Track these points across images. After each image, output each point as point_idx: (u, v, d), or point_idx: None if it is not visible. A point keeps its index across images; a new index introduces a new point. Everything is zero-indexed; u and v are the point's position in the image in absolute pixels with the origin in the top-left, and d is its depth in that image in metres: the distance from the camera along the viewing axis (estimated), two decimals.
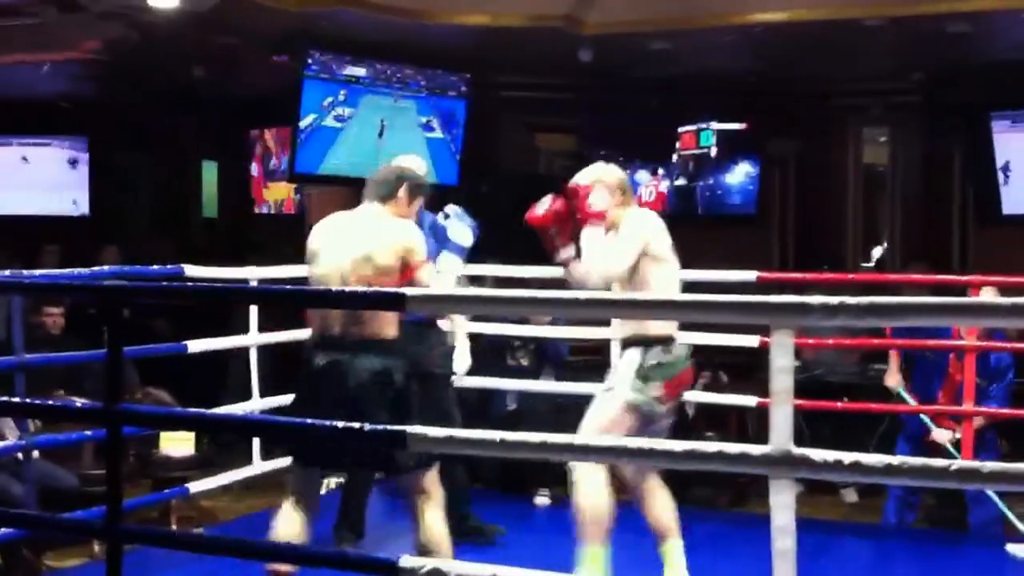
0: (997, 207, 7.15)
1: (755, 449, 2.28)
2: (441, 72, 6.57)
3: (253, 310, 4.82)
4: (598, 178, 3.63)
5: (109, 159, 9.21)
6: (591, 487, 3.50)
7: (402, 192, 3.48)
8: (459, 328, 4.63)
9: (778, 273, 6.32)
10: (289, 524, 3.39)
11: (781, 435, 2.22)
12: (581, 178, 3.65)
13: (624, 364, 3.57)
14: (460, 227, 3.72)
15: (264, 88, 6.93)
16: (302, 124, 6.05)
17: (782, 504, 2.24)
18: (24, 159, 9.21)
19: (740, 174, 7.75)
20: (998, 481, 2.20)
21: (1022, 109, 6.98)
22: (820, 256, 7.44)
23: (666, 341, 3.57)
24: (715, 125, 7.72)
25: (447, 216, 3.77)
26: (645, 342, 3.56)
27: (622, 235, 3.56)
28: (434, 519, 3.37)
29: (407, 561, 2.57)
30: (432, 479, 3.39)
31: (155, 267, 4.42)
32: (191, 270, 4.38)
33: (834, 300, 2.16)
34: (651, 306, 2.80)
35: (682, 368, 3.64)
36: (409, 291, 2.62)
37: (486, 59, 6.69)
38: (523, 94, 7.72)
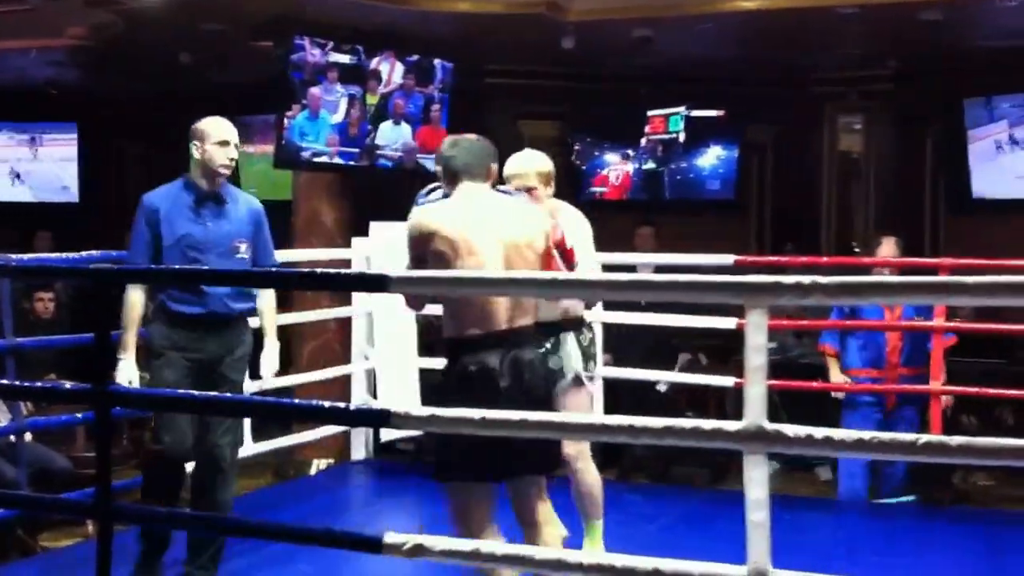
0: (968, 193, 7.19)
1: (729, 425, 2.30)
2: (425, 58, 6.54)
3: None
4: (539, 171, 3.58)
5: (98, 146, 9.15)
6: (591, 468, 3.72)
7: (494, 166, 3.21)
8: (269, 326, 3.94)
9: (756, 256, 6.34)
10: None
11: (755, 411, 2.24)
12: (532, 171, 3.57)
13: (567, 349, 3.60)
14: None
15: (250, 74, 6.88)
16: (288, 111, 6.02)
17: (756, 479, 2.26)
18: (14, 146, 9.15)
19: (718, 159, 7.76)
20: (965, 455, 2.23)
21: (994, 96, 7.00)
22: (796, 241, 7.47)
23: (583, 321, 3.69)
24: (693, 112, 7.72)
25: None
26: (575, 324, 3.64)
27: (582, 238, 3.55)
28: (554, 524, 3.18)
29: (391, 537, 2.58)
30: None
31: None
32: None
33: (806, 279, 2.18)
34: (627, 286, 2.80)
35: None
36: (390, 272, 2.61)
37: (470, 46, 6.67)
38: (507, 81, 7.69)
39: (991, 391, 5.14)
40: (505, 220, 3.04)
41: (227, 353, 3.74)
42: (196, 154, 3.75)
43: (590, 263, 3.51)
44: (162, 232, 3.68)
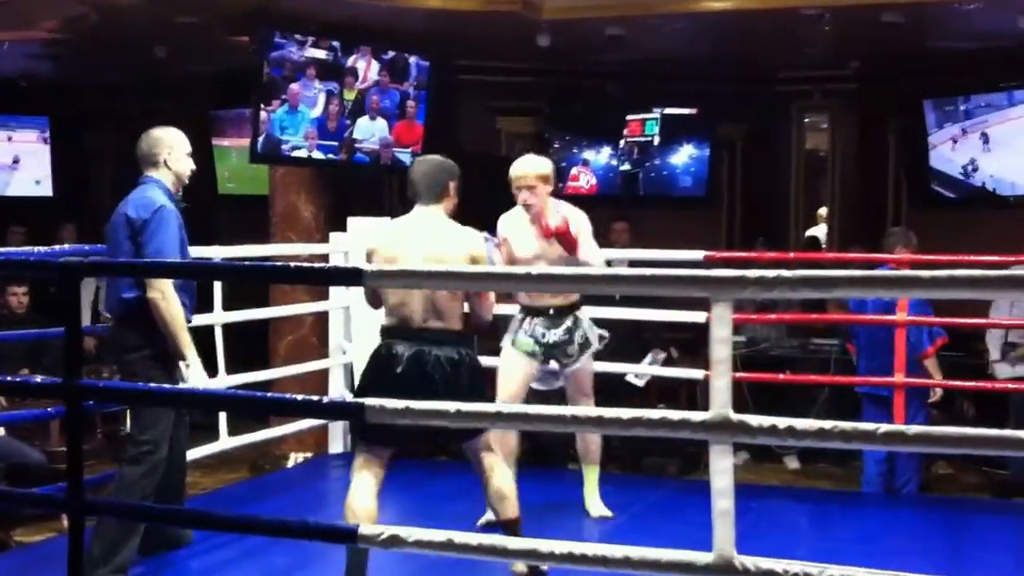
0: (928, 189, 7.27)
1: (696, 415, 2.31)
2: (401, 54, 6.51)
3: (217, 288, 4.77)
4: (541, 174, 4.16)
5: (72, 139, 9.03)
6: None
7: (452, 190, 3.52)
8: (181, 339, 3.58)
9: (725, 252, 6.37)
10: (361, 499, 3.37)
11: (720, 402, 2.25)
12: (532, 173, 4.15)
13: (589, 326, 4.31)
14: (491, 250, 3.88)
15: (225, 68, 6.82)
16: (263, 105, 5.97)
17: (721, 468, 2.27)
18: None
19: (689, 157, 7.80)
20: (922, 443, 2.25)
21: (953, 96, 7.08)
22: (765, 236, 7.52)
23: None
24: (666, 110, 7.75)
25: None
26: (579, 305, 4.32)
27: (585, 232, 4.19)
28: (503, 471, 3.52)
29: (366, 529, 2.57)
30: (493, 437, 3.55)
31: None
32: None
33: (770, 273, 2.19)
34: (600, 280, 2.81)
35: None
36: (366, 266, 2.61)
37: (446, 42, 6.64)
38: (482, 77, 7.68)
39: (952, 383, 5.20)
40: (433, 240, 3.43)
41: None
42: (168, 163, 3.70)
43: (594, 252, 4.18)
44: (181, 237, 3.64)
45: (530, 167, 4.16)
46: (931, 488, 5.97)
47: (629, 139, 7.81)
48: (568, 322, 4.26)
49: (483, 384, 3.52)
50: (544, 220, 4.07)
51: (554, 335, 4.25)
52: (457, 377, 3.35)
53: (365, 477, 3.39)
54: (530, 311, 4.30)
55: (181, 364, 3.56)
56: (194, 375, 3.55)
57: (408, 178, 3.57)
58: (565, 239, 4.06)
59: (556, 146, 7.89)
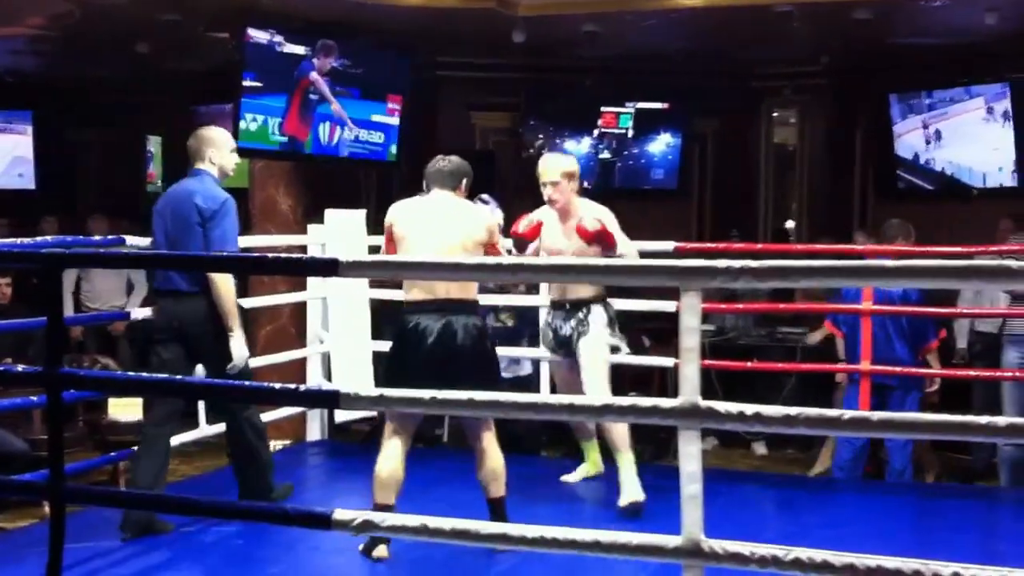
0: (894, 182, 7.32)
1: (665, 402, 2.31)
2: (379, 50, 6.48)
3: None
4: (565, 170, 4.26)
5: (55, 133, 8.95)
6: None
7: (465, 185, 3.84)
8: (231, 314, 3.97)
9: (695, 243, 6.39)
10: (393, 459, 3.61)
11: (689, 388, 2.26)
12: (556, 170, 4.26)
13: (596, 316, 4.31)
14: (494, 210, 4.34)
15: (207, 63, 6.78)
16: (244, 100, 5.93)
17: (690, 453, 2.28)
18: None
19: (661, 151, 7.82)
20: (886, 429, 2.27)
21: (919, 91, 7.13)
22: (737, 228, 7.54)
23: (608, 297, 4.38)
24: (640, 104, 7.76)
25: (485, 202, 4.40)
26: (603, 299, 4.36)
27: (616, 228, 4.24)
28: (498, 451, 3.70)
29: (340, 514, 2.57)
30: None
31: (96, 238, 4.32)
32: (133, 241, 4.29)
33: (737, 263, 2.20)
34: (573, 270, 2.81)
35: None
36: (342, 257, 2.60)
37: (423, 38, 6.62)
38: (460, 73, 7.66)
39: (922, 371, 5.21)
40: (446, 221, 3.71)
41: None
42: (213, 159, 4.07)
43: (628, 246, 4.26)
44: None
45: (554, 164, 4.26)
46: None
47: (604, 130, 7.82)
48: (581, 315, 4.32)
49: (495, 351, 3.75)
50: (581, 225, 4.16)
51: (567, 328, 4.36)
52: (483, 344, 3.62)
53: (394, 443, 3.61)
54: (553, 305, 4.48)
55: (230, 336, 3.95)
56: (236, 347, 3.95)
57: (429, 171, 3.85)
58: (605, 239, 4.14)
59: (530, 140, 7.88)
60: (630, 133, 7.77)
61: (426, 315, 3.58)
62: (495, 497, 3.68)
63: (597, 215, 4.23)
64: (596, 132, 7.82)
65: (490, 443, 3.66)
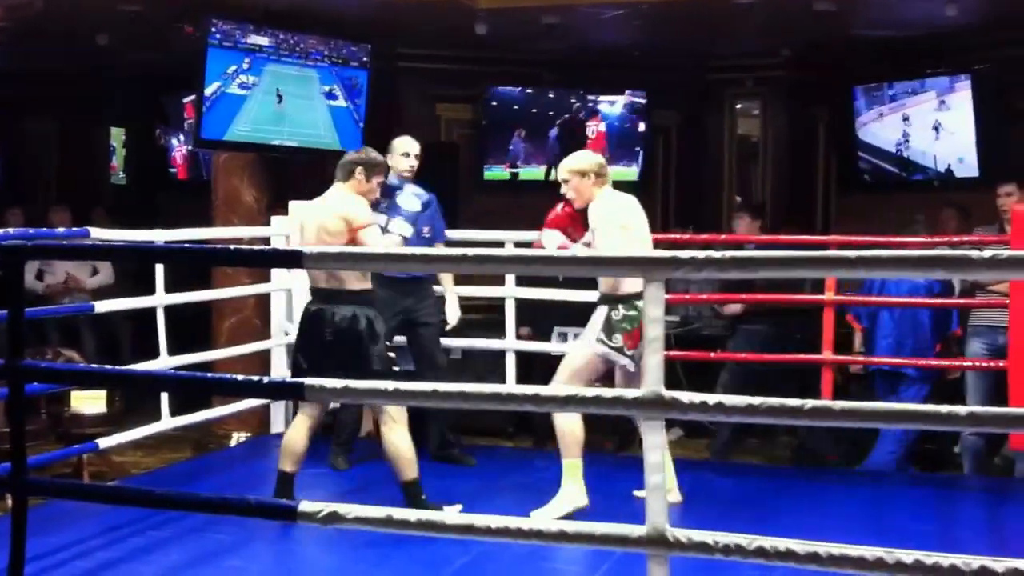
0: (857, 173, 7.38)
1: (628, 393, 2.31)
2: (343, 42, 6.42)
3: (159, 270, 4.67)
4: (573, 168, 4.22)
5: (16, 126, 8.80)
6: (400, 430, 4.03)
7: (359, 173, 4.06)
8: (448, 285, 5.08)
9: (659, 235, 6.40)
10: (297, 431, 3.98)
11: (653, 379, 2.26)
12: (565, 168, 4.24)
13: (595, 317, 4.14)
14: (409, 197, 4.44)
15: (169, 55, 6.67)
16: (207, 91, 5.84)
17: (653, 443, 2.28)
18: None
19: (626, 143, 7.82)
20: (849, 419, 2.27)
21: (880, 83, 7.18)
22: (698, 220, 7.57)
23: (635, 297, 3.94)
24: (601, 97, 7.76)
25: (418, 196, 4.51)
26: (613, 299, 4.09)
27: (595, 226, 4.11)
28: (398, 436, 3.91)
29: (306, 506, 2.54)
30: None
31: (61, 230, 4.24)
32: (97, 233, 4.21)
33: (700, 254, 2.19)
34: (540, 262, 2.78)
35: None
36: (306, 249, 2.58)
37: (386, 30, 6.56)
38: (422, 65, 7.61)
39: (896, 360, 5.24)
40: (319, 211, 4.04)
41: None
42: (390, 162, 4.69)
43: (607, 241, 4.04)
44: None
45: (564, 163, 4.32)
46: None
47: (564, 125, 7.80)
48: (594, 313, 4.21)
49: (378, 341, 3.90)
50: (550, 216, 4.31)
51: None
52: (353, 332, 3.84)
53: (302, 419, 4.00)
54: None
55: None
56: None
57: None
58: (569, 230, 4.24)
59: (493, 132, 7.84)
60: (593, 126, 7.76)
61: (314, 303, 3.97)
62: (403, 481, 3.91)
63: (594, 209, 4.15)
64: (556, 126, 7.80)
65: (389, 431, 3.90)
